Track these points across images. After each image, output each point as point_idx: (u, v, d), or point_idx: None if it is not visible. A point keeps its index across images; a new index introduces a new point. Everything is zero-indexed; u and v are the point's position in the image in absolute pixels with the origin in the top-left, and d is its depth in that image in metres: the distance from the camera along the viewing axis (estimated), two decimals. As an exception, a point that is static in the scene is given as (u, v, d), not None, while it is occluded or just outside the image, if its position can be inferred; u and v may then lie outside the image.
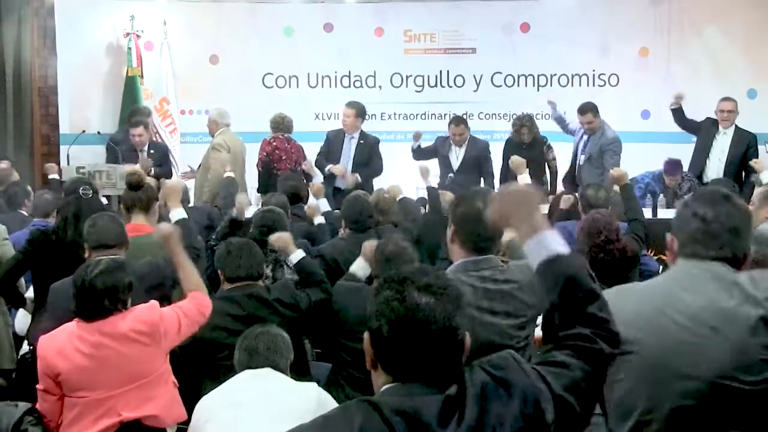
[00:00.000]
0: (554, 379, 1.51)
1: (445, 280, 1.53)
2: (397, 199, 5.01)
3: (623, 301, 1.82)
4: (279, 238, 3.95)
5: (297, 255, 3.89)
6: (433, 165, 7.35)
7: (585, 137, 7.09)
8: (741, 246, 1.93)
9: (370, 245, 3.86)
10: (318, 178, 6.28)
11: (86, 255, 3.48)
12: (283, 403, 2.80)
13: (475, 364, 1.52)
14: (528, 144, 7.16)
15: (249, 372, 2.95)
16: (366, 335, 1.51)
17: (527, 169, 4.69)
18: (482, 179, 7.13)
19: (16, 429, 2.82)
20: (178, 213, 3.91)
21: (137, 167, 5.50)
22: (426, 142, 7.51)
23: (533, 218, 1.67)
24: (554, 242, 1.65)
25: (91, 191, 4.47)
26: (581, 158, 7.08)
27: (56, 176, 6.23)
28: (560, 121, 7.57)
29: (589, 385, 1.55)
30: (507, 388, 1.47)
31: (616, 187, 4.81)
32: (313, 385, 3.04)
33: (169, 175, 6.97)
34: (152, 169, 6.67)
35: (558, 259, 1.63)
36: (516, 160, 4.74)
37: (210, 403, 2.89)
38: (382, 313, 1.46)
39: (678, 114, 7.25)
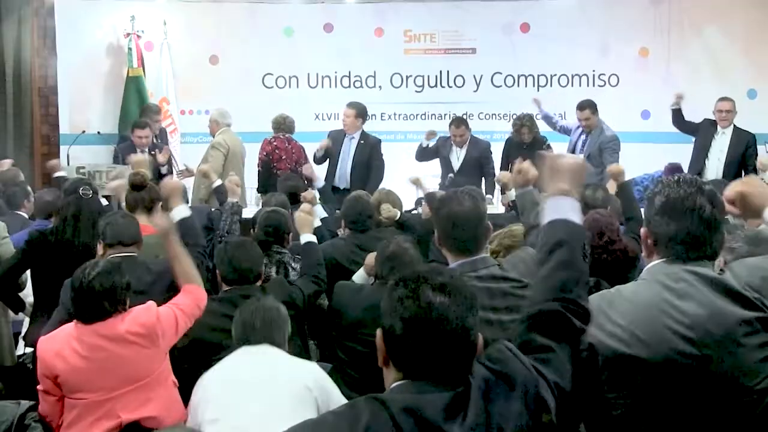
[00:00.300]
0: (545, 367, 1.56)
1: (459, 280, 1.54)
2: (396, 219, 4.98)
3: (614, 313, 1.80)
4: (300, 218, 4.16)
5: (306, 237, 4.11)
6: (435, 165, 7.38)
7: (583, 136, 7.10)
8: (719, 239, 1.93)
9: (372, 258, 3.87)
10: (319, 183, 6.25)
11: (100, 253, 3.48)
12: (281, 381, 2.81)
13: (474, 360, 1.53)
14: (528, 144, 7.16)
15: (246, 348, 2.95)
16: (379, 332, 1.51)
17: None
18: (483, 180, 7.13)
19: (21, 422, 2.83)
20: (181, 210, 3.90)
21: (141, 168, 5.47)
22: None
23: (568, 183, 1.83)
24: (569, 208, 1.79)
25: (91, 191, 4.47)
26: (580, 157, 7.06)
27: (63, 174, 6.12)
28: (547, 119, 7.58)
29: (572, 362, 1.62)
30: (508, 382, 1.49)
31: (614, 183, 4.80)
32: (312, 363, 3.06)
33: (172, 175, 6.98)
34: (172, 164, 6.68)
35: (563, 223, 1.76)
36: (504, 176, 4.66)
37: (208, 381, 2.90)
38: (396, 312, 1.47)
39: (677, 115, 7.24)
